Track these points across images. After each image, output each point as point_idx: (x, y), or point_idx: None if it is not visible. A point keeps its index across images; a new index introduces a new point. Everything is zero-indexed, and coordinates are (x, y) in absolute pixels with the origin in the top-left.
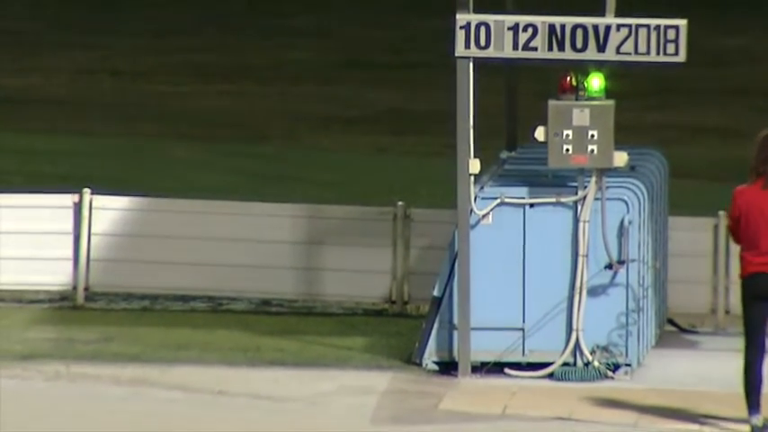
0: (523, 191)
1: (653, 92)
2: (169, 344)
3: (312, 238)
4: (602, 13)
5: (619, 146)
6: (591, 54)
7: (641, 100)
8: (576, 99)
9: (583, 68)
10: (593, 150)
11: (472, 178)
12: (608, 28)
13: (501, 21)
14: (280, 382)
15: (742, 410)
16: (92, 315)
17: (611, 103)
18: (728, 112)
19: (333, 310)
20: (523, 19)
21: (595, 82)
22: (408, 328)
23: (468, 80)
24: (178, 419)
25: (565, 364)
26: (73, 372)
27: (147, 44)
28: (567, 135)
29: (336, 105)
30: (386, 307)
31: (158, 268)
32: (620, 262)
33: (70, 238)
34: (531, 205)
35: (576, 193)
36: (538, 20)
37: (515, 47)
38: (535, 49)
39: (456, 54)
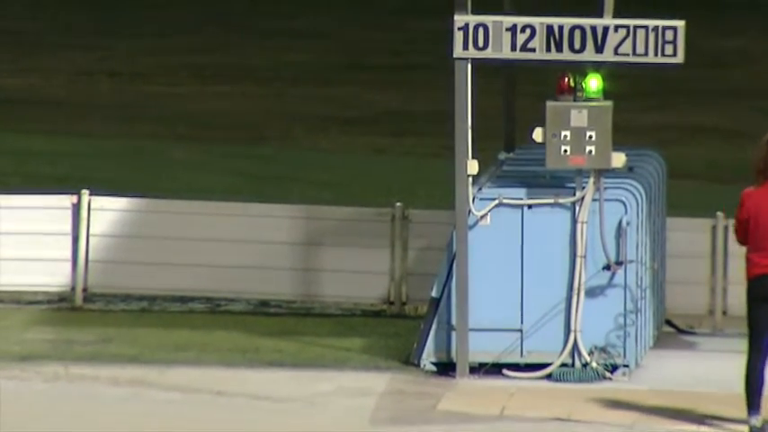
0: (521, 192)
1: (651, 93)
2: (168, 345)
3: (310, 239)
4: (600, 14)
5: (617, 147)
6: (589, 55)
7: (639, 101)
8: (574, 100)
9: (581, 69)
10: (591, 151)
11: (470, 179)
12: (606, 29)
13: (499, 22)
14: (278, 382)
15: (740, 411)
16: (90, 316)
17: (609, 104)
18: (727, 113)
19: (331, 311)
20: (521, 20)
21: (593, 83)
22: (406, 328)
23: (466, 81)
24: (177, 420)
25: (563, 365)
26: (71, 373)
27: (146, 45)
28: (565, 136)
29: (335, 106)
30: (384, 308)
31: (157, 269)
32: (619, 263)
33: (69, 239)
34: (530, 206)
35: (574, 194)
36: (536, 21)
37: (513, 48)
38: (533, 50)
39: (454, 55)
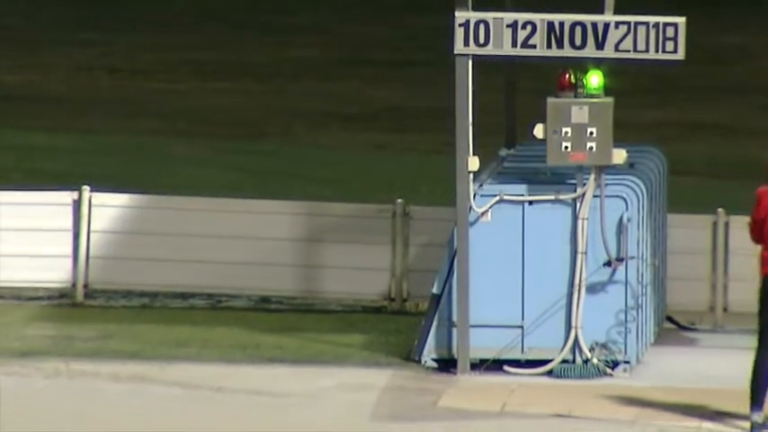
0: (522, 188)
1: (652, 89)
2: (168, 341)
3: (311, 236)
4: (600, 11)
5: (617, 143)
6: (590, 51)
7: (640, 97)
8: (575, 96)
9: (581, 66)
10: (591, 148)
11: (471, 176)
12: (607, 25)
13: (500, 18)
14: (279, 379)
15: (741, 407)
16: (91, 312)
17: (609, 100)
18: (727, 110)
19: (332, 308)
20: (522, 16)
21: (594, 79)
22: (407, 325)
23: (467, 78)
24: (177, 416)
25: (564, 361)
26: (72, 369)
27: (146, 41)
28: (566, 132)
29: (335, 102)
30: (385, 304)
31: (158, 266)
32: (619, 259)
33: (69, 236)
34: (530, 203)
35: (575, 191)
36: (537, 17)
37: (514, 44)
38: (534, 46)
39: (455, 51)
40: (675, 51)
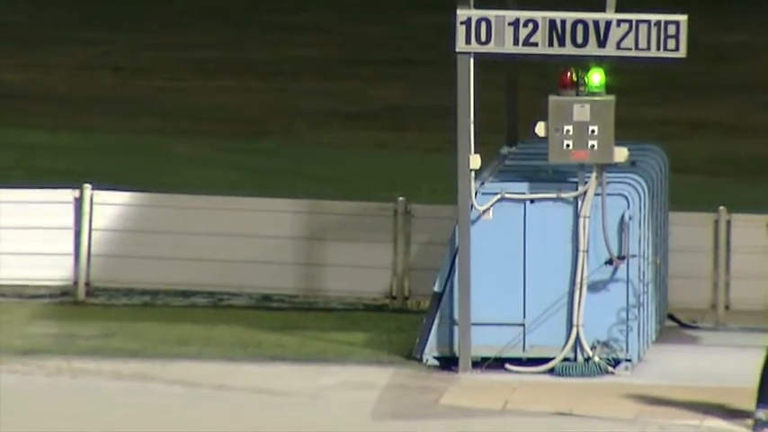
0: (524, 186)
1: (653, 87)
2: (170, 339)
3: (313, 234)
4: (602, 9)
5: (619, 141)
6: (591, 49)
7: (642, 95)
8: (577, 94)
9: (583, 64)
10: (593, 146)
11: (473, 174)
12: (608, 23)
13: (502, 16)
14: (280, 377)
15: (743, 404)
16: (93, 310)
17: (611, 98)
18: (729, 108)
19: (333, 306)
20: (524, 14)
21: (596, 77)
22: (409, 323)
23: (468, 76)
24: (179, 414)
25: (565, 359)
26: (74, 367)
27: (148, 40)
28: (568, 130)
29: (337, 101)
30: (386, 302)
31: (159, 264)
32: (621, 257)
33: (71, 234)
34: (532, 201)
35: (577, 189)
36: (538, 15)
37: (516, 42)
38: (536, 44)
39: (457, 49)
40: (677, 49)
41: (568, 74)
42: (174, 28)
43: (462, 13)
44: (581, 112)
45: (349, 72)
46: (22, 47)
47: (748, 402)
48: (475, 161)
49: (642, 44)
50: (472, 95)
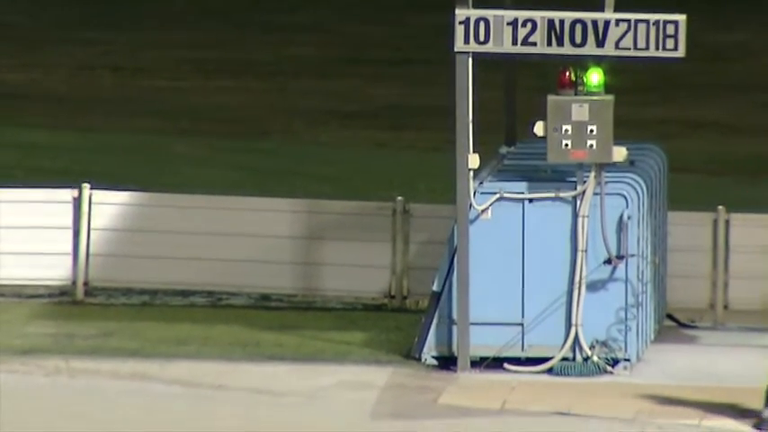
0: (522, 186)
1: (652, 87)
2: (169, 339)
3: (311, 233)
4: (601, 9)
5: (618, 141)
6: (590, 49)
7: (640, 95)
8: (576, 94)
9: (582, 63)
10: (592, 145)
11: (471, 173)
12: (607, 23)
13: (500, 16)
14: (279, 376)
15: (743, 404)
16: (91, 310)
17: (610, 98)
18: (728, 107)
19: (332, 305)
20: (522, 14)
21: (594, 77)
22: (407, 322)
23: (467, 75)
24: (177, 414)
25: (564, 359)
26: (73, 367)
27: (148, 39)
28: (567, 130)
29: (336, 101)
30: (385, 302)
31: (158, 263)
32: (620, 257)
33: (70, 233)
34: (531, 200)
35: (576, 188)
36: (537, 15)
37: (514, 42)
38: (534, 44)
39: (455, 49)
40: (676, 49)
41: (567, 73)
42: (175, 28)
43: (461, 13)
44: (580, 111)
45: (348, 71)
46: (22, 47)
47: (748, 401)
48: (473, 161)
49: (641, 44)
50: (471, 95)
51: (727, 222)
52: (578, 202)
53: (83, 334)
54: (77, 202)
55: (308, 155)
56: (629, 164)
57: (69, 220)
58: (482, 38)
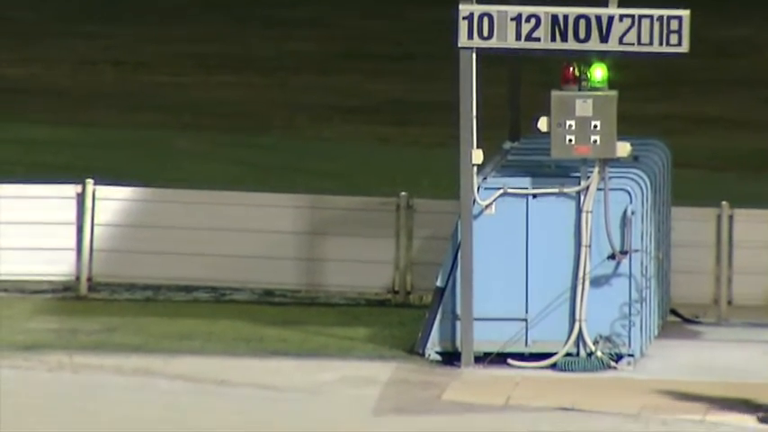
0: (526, 181)
1: (656, 82)
2: (172, 334)
3: (315, 229)
4: (604, 4)
5: (622, 136)
6: (594, 45)
7: (644, 90)
8: (579, 89)
9: (586, 59)
10: (596, 141)
11: (475, 169)
12: (611, 18)
13: (504, 11)
14: (282, 372)
15: (745, 399)
16: (95, 305)
17: (614, 93)
18: (731, 103)
19: (335, 301)
20: (526, 9)
21: (598, 72)
22: (411, 318)
23: (471, 71)
24: (181, 409)
25: (568, 354)
26: (76, 362)
27: (149, 34)
28: (570, 125)
29: (337, 96)
30: (389, 297)
31: (161, 259)
32: (623, 252)
33: (73, 229)
34: (534, 196)
35: (579, 184)
36: (541, 10)
37: (518, 37)
38: (538, 39)
39: (459, 45)
40: (680, 44)
41: (571, 69)
42: (176, 23)
43: (464, 9)
44: (583, 107)
45: (350, 66)
46: (23, 41)
47: (752, 396)
48: (477, 156)
49: (645, 39)
50: (474, 90)
51: (730, 218)
52: (582, 198)
53: (86, 329)
54: (81, 198)
55: (310, 150)
56: (633, 159)
57: (73, 216)
58: (486, 33)
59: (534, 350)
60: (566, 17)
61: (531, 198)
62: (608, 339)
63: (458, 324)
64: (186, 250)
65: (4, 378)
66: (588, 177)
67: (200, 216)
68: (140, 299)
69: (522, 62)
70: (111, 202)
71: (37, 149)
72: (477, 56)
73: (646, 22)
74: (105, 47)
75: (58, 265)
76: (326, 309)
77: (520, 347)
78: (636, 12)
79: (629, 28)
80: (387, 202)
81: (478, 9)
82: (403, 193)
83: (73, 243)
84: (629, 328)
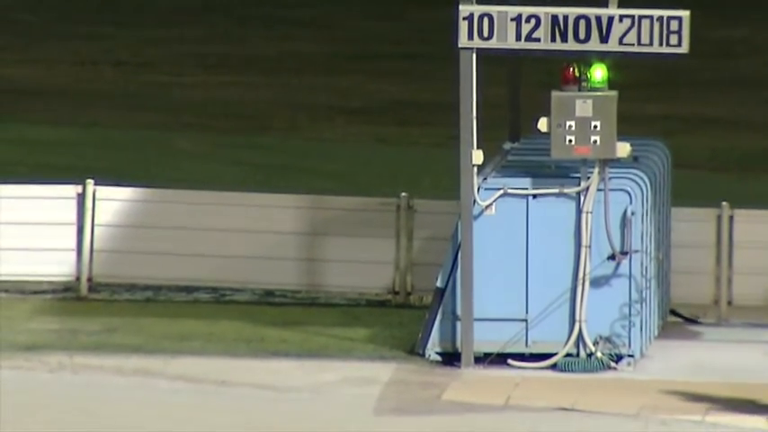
0: (526, 182)
1: (656, 83)
2: (172, 335)
3: (315, 229)
4: (604, 4)
5: (622, 137)
6: (594, 45)
7: (644, 91)
8: (579, 90)
9: (586, 59)
10: (596, 141)
11: (475, 169)
12: (611, 19)
13: (504, 12)
14: (283, 372)
15: (745, 400)
16: (95, 306)
17: (613, 93)
18: (731, 103)
19: (336, 301)
20: (526, 10)
21: (598, 73)
22: (411, 318)
23: (471, 71)
24: (181, 410)
25: (568, 354)
26: (76, 363)
27: (150, 35)
28: (570, 126)
29: (339, 96)
30: (389, 298)
31: (162, 259)
32: (623, 253)
33: (73, 229)
34: (534, 196)
35: (579, 184)
36: (541, 11)
37: (518, 38)
38: (538, 39)
39: (459, 45)
40: (679, 45)
41: (571, 69)
42: (177, 23)
43: (465, 9)
44: (583, 107)
45: (351, 67)
46: (24, 41)
47: (752, 396)
48: (477, 157)
49: (644, 40)
50: (475, 91)
51: (730, 218)
52: (582, 198)
53: (86, 330)
54: (81, 198)
55: (312, 151)
56: (633, 160)
57: (73, 216)
58: (486, 34)
59: (534, 351)
60: (566, 17)
61: (531, 198)
62: (608, 340)
63: (458, 324)
64: (187, 251)
65: (4, 378)
66: (588, 178)
67: (201, 216)
68: (141, 299)
69: (523, 62)
70: (112, 202)
71: (38, 150)
72: (477, 56)
73: (646, 23)
74: (106, 47)
75: (58, 265)
76: (327, 309)
77: (520, 348)
78: (636, 12)
79: (629, 28)
80: (387, 203)
81: (478, 9)
82: (403, 194)
83: (73, 243)
84: (629, 329)
